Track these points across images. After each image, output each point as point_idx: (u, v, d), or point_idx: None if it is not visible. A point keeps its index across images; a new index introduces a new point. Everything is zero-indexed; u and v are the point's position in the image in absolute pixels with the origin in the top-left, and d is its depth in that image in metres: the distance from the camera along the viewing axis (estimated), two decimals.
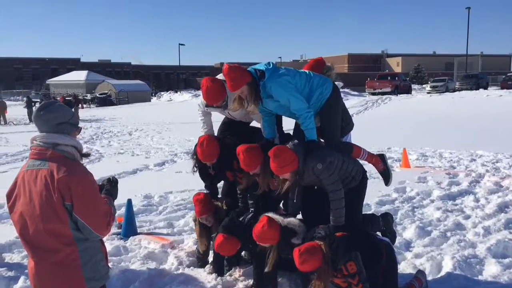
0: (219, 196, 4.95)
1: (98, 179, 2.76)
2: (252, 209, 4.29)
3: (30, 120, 27.96)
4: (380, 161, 4.50)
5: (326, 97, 4.15)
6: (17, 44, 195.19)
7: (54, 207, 2.43)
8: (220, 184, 5.07)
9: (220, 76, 4.55)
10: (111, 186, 2.84)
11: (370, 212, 6.25)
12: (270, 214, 3.93)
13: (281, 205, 4.63)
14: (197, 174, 4.79)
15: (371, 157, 4.46)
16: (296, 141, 3.86)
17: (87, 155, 2.75)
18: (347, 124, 4.57)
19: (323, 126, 4.14)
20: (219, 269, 4.52)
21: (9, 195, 2.59)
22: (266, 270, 3.93)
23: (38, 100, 32.40)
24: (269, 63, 4.15)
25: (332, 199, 3.80)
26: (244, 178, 4.25)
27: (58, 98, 32.93)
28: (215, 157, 4.43)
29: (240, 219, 4.30)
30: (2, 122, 27.30)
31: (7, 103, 30.16)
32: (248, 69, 4.12)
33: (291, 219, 3.91)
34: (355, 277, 3.44)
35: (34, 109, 27.95)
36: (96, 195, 2.55)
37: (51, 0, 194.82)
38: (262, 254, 3.96)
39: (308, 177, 3.82)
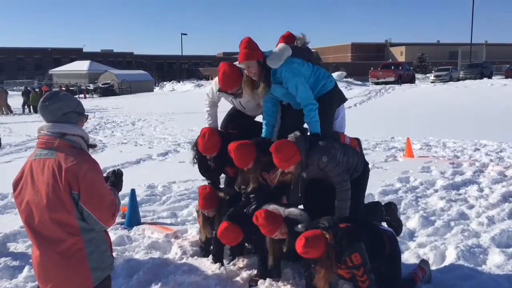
0: (221, 186, 4.95)
1: (102, 170, 2.75)
2: (255, 202, 4.29)
3: (23, 111, 28.01)
4: (357, 144, 4.45)
5: (328, 89, 4.25)
6: (20, 34, 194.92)
7: (60, 196, 2.44)
8: (222, 176, 5.06)
9: (237, 63, 4.53)
10: (116, 178, 2.84)
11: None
12: (271, 206, 3.94)
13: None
14: (196, 165, 4.79)
15: (351, 141, 4.41)
16: (297, 133, 3.85)
17: (93, 146, 2.76)
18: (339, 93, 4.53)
19: (323, 109, 4.13)
20: (219, 259, 4.52)
21: (15, 184, 2.60)
22: (269, 263, 3.94)
23: (37, 89, 32.27)
24: None
25: (338, 190, 3.79)
26: (239, 175, 4.26)
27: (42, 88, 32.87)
28: (216, 151, 4.43)
29: (244, 210, 4.30)
30: (5, 112, 27.31)
31: (10, 93, 30.15)
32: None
33: (292, 209, 3.92)
34: (360, 269, 3.44)
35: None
36: (102, 185, 2.55)
37: None
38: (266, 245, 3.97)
39: (312, 170, 3.81)
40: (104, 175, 2.78)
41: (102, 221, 2.52)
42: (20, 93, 30.84)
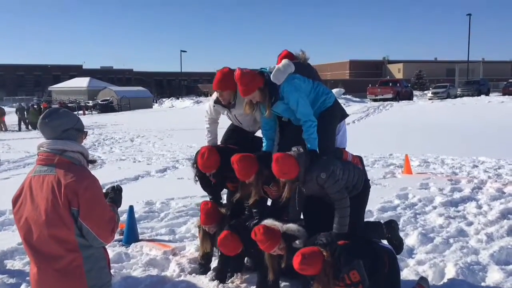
0: (223, 201, 4.95)
1: (101, 186, 2.76)
2: (257, 217, 4.29)
3: (20, 128, 27.88)
4: (360, 162, 4.46)
5: (328, 105, 4.26)
6: (20, 51, 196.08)
7: (59, 213, 2.44)
8: (224, 191, 5.07)
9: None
10: (115, 194, 2.85)
11: (373, 219, 6.23)
12: (269, 221, 3.93)
13: None
14: (198, 182, 4.81)
15: (353, 159, 4.42)
16: (300, 148, 3.86)
17: (93, 161, 2.77)
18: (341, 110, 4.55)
19: (319, 131, 4.15)
20: (221, 276, 4.50)
21: (15, 201, 2.60)
22: (270, 278, 3.92)
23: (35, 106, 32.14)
24: None
25: (337, 207, 3.79)
26: (239, 188, 4.26)
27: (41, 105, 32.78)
28: (215, 168, 4.46)
29: (246, 224, 4.31)
30: (3, 129, 27.32)
31: (10, 109, 30.15)
32: (261, 69, 4.14)
33: (290, 225, 3.91)
34: (358, 286, 3.41)
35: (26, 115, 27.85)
36: (102, 201, 2.56)
37: (54, 7, 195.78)
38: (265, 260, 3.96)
39: (311, 186, 3.82)
40: (104, 191, 2.79)
41: (101, 238, 2.51)
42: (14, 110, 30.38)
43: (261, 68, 4.27)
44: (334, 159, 4.00)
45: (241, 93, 4.06)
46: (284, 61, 4.18)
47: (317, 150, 4.01)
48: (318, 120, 4.14)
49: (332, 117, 4.32)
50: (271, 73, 4.10)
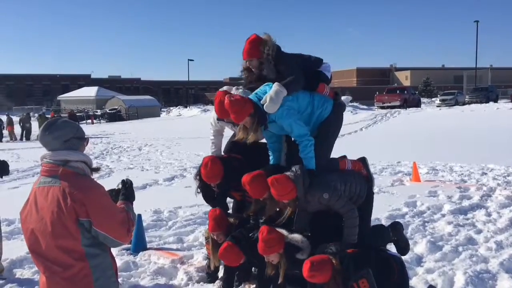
0: (229, 211, 4.95)
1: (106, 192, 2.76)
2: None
3: (24, 138, 27.64)
4: (362, 166, 4.41)
5: (324, 116, 4.22)
6: (29, 61, 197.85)
7: (65, 223, 2.45)
8: (230, 200, 5.07)
9: (233, 90, 4.56)
10: (126, 189, 2.82)
11: None
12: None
13: None
14: (200, 194, 4.83)
15: (354, 165, 4.35)
16: (298, 169, 3.84)
17: (97, 169, 2.76)
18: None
19: (317, 141, 4.11)
20: (229, 285, 4.50)
21: (21, 213, 2.63)
22: (279, 281, 3.91)
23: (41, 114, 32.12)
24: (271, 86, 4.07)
25: (346, 218, 3.80)
26: (252, 204, 4.26)
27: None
28: (219, 178, 4.47)
29: (250, 234, 4.30)
30: (13, 138, 27.53)
31: (18, 119, 30.22)
32: (250, 96, 4.09)
33: (294, 235, 3.91)
34: None
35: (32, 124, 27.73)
36: (111, 207, 2.56)
37: (62, 18, 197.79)
38: (266, 272, 3.96)
39: (315, 205, 3.84)
40: (115, 187, 2.80)
41: (119, 239, 2.55)
42: (19, 120, 29.00)
43: (257, 91, 4.16)
44: (331, 174, 3.98)
45: (233, 120, 4.07)
46: (274, 87, 3.97)
47: (314, 169, 3.98)
48: (315, 136, 4.10)
49: (329, 129, 4.25)
50: (260, 100, 3.97)
